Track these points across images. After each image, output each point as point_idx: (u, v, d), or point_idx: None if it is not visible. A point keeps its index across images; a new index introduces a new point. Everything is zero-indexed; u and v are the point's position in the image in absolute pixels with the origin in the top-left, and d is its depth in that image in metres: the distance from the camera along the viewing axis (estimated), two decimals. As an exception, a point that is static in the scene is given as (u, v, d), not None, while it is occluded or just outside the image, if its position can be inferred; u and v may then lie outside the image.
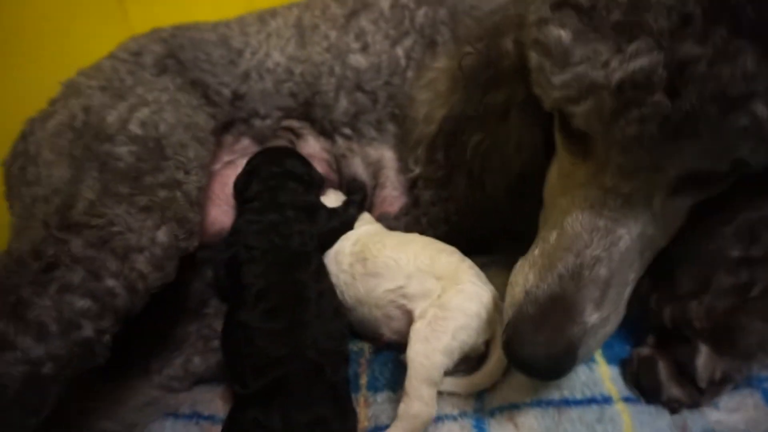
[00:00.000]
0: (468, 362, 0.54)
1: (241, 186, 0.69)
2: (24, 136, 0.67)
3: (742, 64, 0.34)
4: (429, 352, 0.51)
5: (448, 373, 0.52)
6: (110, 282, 0.47)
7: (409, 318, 0.56)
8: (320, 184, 0.74)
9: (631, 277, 0.46)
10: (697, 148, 0.37)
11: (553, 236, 0.46)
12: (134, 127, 0.61)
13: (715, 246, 0.48)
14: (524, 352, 0.43)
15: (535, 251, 0.47)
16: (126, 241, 0.49)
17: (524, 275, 0.46)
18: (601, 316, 0.43)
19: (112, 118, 0.63)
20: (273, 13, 0.86)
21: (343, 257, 0.63)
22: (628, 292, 0.46)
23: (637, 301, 0.49)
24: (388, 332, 0.58)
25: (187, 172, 0.60)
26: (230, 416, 0.51)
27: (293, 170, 0.69)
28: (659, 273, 0.49)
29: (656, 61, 0.35)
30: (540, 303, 0.43)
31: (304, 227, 0.63)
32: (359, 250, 0.62)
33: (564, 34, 0.40)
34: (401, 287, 0.57)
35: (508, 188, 0.58)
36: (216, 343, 0.64)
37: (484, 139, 0.59)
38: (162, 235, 0.52)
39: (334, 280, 0.63)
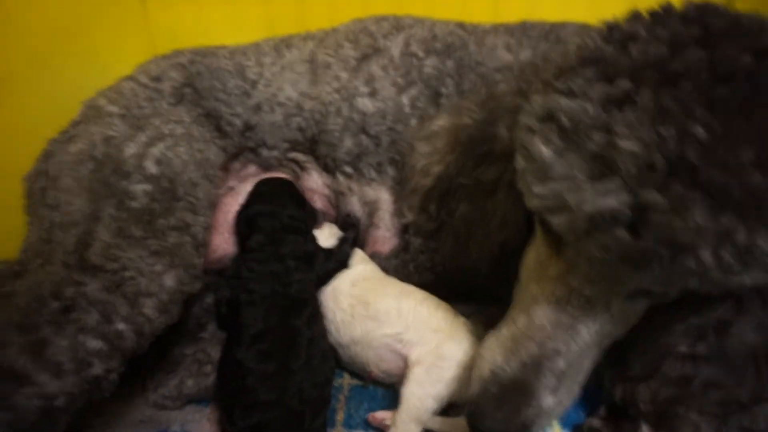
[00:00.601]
0: (453, 407, 0.61)
1: (243, 235, 0.73)
2: (46, 157, 0.71)
3: (692, 218, 0.38)
4: (423, 396, 0.57)
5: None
6: (120, 325, 0.52)
7: (400, 361, 0.62)
8: (315, 221, 0.79)
9: (587, 365, 0.51)
10: (651, 277, 0.42)
11: (521, 321, 0.51)
12: (150, 165, 0.66)
13: (666, 340, 0.54)
14: (484, 426, 0.49)
15: (504, 331, 0.53)
16: (137, 286, 0.54)
17: (492, 353, 0.52)
18: (555, 401, 0.49)
19: (130, 151, 0.67)
20: (288, 44, 0.89)
21: (342, 297, 0.68)
22: (583, 377, 0.51)
23: (594, 375, 0.54)
24: (376, 371, 0.64)
25: (195, 213, 0.64)
26: None
27: (292, 224, 0.73)
28: (615, 354, 0.55)
29: (623, 202, 0.40)
30: (502, 384, 0.49)
31: (303, 276, 0.67)
32: (360, 293, 0.68)
33: (545, 151, 0.44)
34: (399, 333, 0.63)
35: (490, 257, 0.63)
36: (209, 367, 0.69)
37: (472, 209, 0.64)
38: (169, 281, 0.57)
39: (330, 316, 0.68)
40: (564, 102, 0.44)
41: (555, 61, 0.52)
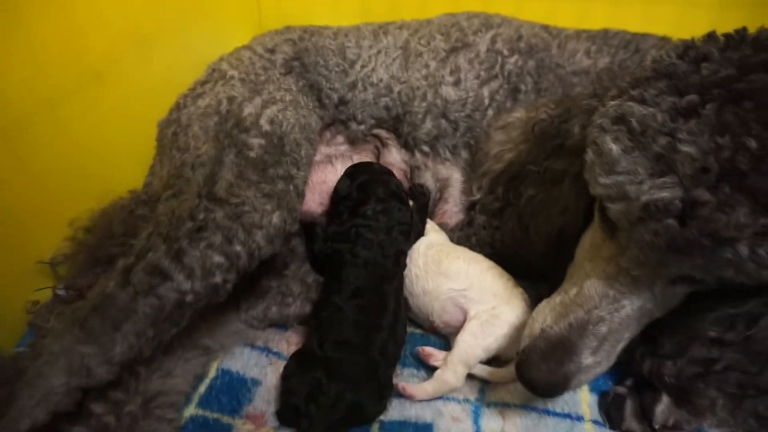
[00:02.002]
0: (497, 360, 0.70)
1: (356, 199, 0.81)
2: (178, 108, 0.85)
3: (735, 216, 0.44)
4: (474, 345, 0.67)
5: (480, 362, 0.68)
6: (238, 247, 0.63)
7: (460, 315, 0.71)
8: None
9: (626, 336, 0.58)
10: (692, 263, 0.49)
11: (573, 292, 0.59)
12: (264, 123, 0.77)
13: (698, 325, 0.60)
14: (530, 375, 0.57)
15: (557, 299, 0.61)
16: (252, 219, 0.65)
17: (543, 315, 0.60)
18: (594, 360, 0.56)
19: (248, 110, 0.79)
20: (385, 30, 0.98)
21: (418, 256, 0.78)
22: (621, 346, 0.59)
23: (626, 352, 0.62)
24: (438, 321, 0.74)
25: (298, 168, 0.76)
26: (299, 360, 0.67)
27: (398, 192, 0.82)
28: (649, 332, 0.62)
29: (676, 196, 0.46)
30: (550, 341, 0.57)
31: (402, 248, 0.77)
32: (434, 254, 0.77)
33: (615, 148, 0.51)
34: (464, 290, 0.72)
35: (547, 239, 0.71)
36: (290, 299, 0.81)
37: (538, 194, 0.72)
38: (276, 219, 0.68)
39: (406, 271, 0.78)
40: (636, 108, 0.51)
41: (632, 70, 0.59)
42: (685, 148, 0.46)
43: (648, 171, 0.48)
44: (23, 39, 0.71)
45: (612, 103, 0.55)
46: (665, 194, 0.47)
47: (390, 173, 0.88)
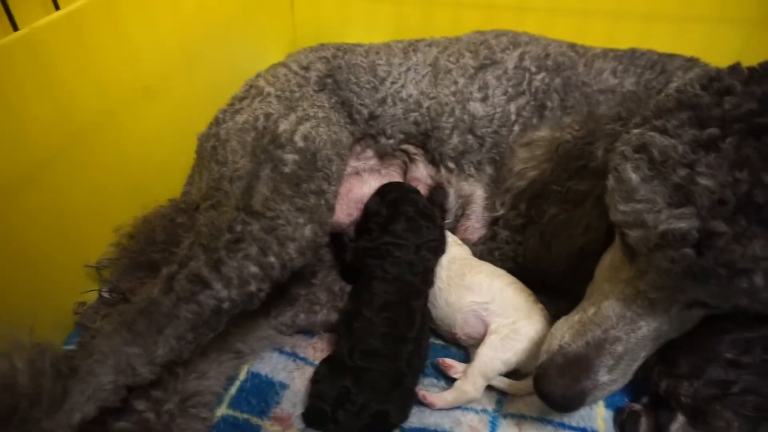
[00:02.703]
0: (516, 373, 0.72)
1: (385, 217, 0.84)
2: (217, 122, 0.90)
3: (752, 247, 0.46)
4: (494, 358, 0.69)
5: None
6: (272, 259, 0.67)
7: (481, 327, 0.74)
8: (444, 213, 0.92)
9: (642, 355, 0.60)
10: (709, 291, 0.50)
11: (591, 311, 0.61)
12: (299, 139, 0.81)
13: (715, 347, 0.61)
14: (548, 389, 0.59)
15: (575, 317, 0.63)
16: (285, 232, 0.69)
17: (562, 332, 0.62)
18: (610, 378, 0.59)
19: (283, 127, 0.83)
20: (415, 48, 1.01)
21: (441, 270, 0.81)
22: (637, 365, 0.61)
23: (643, 369, 0.63)
24: (460, 333, 0.76)
25: (329, 183, 0.79)
26: (329, 367, 0.71)
27: (426, 211, 0.85)
28: (667, 353, 0.63)
29: (693, 227, 0.48)
30: (568, 357, 0.59)
31: (430, 265, 0.79)
32: (457, 268, 0.80)
33: (635, 177, 0.53)
34: (486, 303, 0.75)
35: (568, 257, 0.73)
36: (317, 307, 0.85)
37: (560, 213, 0.74)
38: (308, 232, 0.71)
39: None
40: (658, 138, 0.53)
41: (656, 99, 0.60)
42: (704, 180, 0.48)
43: (666, 201, 0.50)
44: (88, 57, 0.76)
45: (635, 131, 0.57)
46: (683, 224, 0.48)
47: (417, 192, 0.91)
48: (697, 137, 0.50)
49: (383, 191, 0.90)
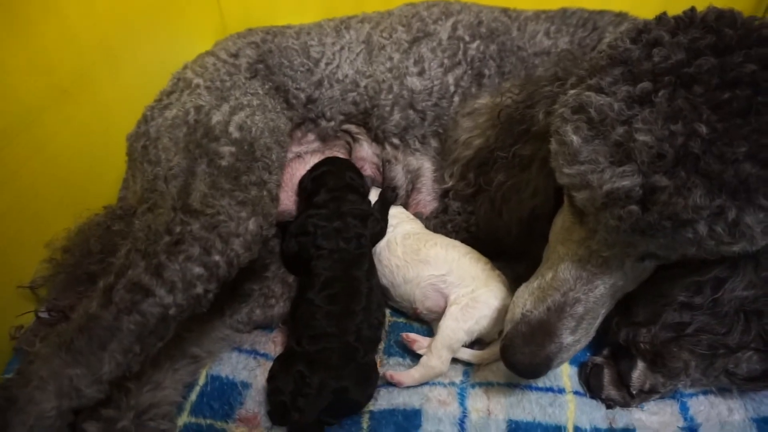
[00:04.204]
0: (480, 343, 0.72)
1: (309, 190, 0.84)
2: (146, 120, 0.84)
3: (692, 198, 0.46)
4: (456, 328, 0.69)
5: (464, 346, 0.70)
6: (216, 257, 0.64)
7: (441, 300, 0.74)
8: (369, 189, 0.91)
9: (602, 312, 0.61)
10: (657, 243, 0.51)
11: (549, 276, 0.61)
12: (233, 130, 0.77)
13: (668, 292, 0.63)
14: (514, 358, 0.60)
15: (534, 283, 0.63)
16: (228, 228, 0.66)
17: (523, 300, 0.62)
18: (573, 339, 0.59)
19: (216, 119, 0.79)
20: (347, 25, 0.98)
21: (396, 247, 0.80)
22: (598, 322, 0.61)
23: (603, 322, 0.64)
24: (420, 307, 0.76)
25: (270, 173, 0.76)
26: (282, 360, 0.69)
27: (353, 183, 0.84)
28: (624, 303, 0.64)
29: (636, 183, 0.48)
30: (531, 325, 0.60)
31: (360, 231, 0.79)
32: (412, 243, 0.79)
33: (576, 139, 0.53)
34: (443, 275, 0.74)
35: (520, 221, 0.73)
36: (272, 300, 0.82)
37: (508, 179, 0.74)
38: (252, 225, 0.68)
39: (385, 262, 0.80)
40: (594, 97, 0.52)
41: (589, 56, 0.60)
42: (642, 136, 0.48)
43: (608, 160, 0.50)
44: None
45: (572, 92, 0.57)
46: (626, 182, 0.49)
47: (351, 167, 0.89)
48: (630, 93, 0.50)
49: (316, 165, 0.89)
